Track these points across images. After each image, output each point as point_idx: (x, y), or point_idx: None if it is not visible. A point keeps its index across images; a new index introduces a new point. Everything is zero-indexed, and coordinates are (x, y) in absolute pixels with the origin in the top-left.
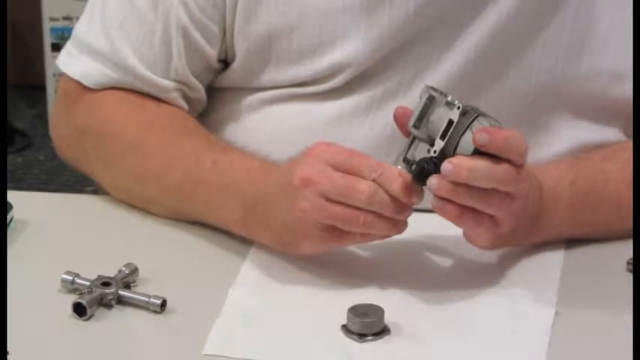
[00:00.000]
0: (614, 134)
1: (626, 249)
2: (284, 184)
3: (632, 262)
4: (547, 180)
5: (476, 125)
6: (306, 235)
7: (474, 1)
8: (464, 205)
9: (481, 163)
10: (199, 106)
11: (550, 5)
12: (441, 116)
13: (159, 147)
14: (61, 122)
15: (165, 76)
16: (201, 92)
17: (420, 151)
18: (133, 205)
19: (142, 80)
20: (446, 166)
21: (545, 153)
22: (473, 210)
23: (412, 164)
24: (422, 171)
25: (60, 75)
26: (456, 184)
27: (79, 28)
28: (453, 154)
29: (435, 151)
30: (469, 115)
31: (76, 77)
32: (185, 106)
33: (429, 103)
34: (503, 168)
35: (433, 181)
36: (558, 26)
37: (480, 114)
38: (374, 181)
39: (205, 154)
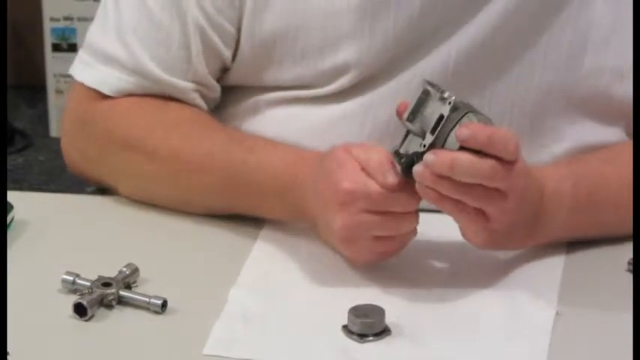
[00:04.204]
0: (617, 135)
1: (626, 249)
2: (323, 195)
3: (632, 262)
4: (548, 182)
5: (464, 121)
6: (353, 246)
7: None
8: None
9: (464, 158)
10: (214, 104)
11: (552, 2)
12: (434, 111)
13: (187, 149)
14: (77, 136)
15: (184, 78)
16: (217, 91)
17: (414, 145)
18: (133, 206)
19: (161, 84)
20: (429, 156)
21: (547, 153)
22: (457, 200)
23: (402, 157)
24: (411, 164)
25: (60, 75)
26: (440, 176)
27: (93, 35)
28: (442, 148)
29: (424, 145)
30: (460, 111)
31: (93, 85)
32: (204, 106)
33: (424, 97)
34: (488, 164)
35: (418, 168)
36: (561, 24)
37: (470, 110)
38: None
39: (234, 153)
